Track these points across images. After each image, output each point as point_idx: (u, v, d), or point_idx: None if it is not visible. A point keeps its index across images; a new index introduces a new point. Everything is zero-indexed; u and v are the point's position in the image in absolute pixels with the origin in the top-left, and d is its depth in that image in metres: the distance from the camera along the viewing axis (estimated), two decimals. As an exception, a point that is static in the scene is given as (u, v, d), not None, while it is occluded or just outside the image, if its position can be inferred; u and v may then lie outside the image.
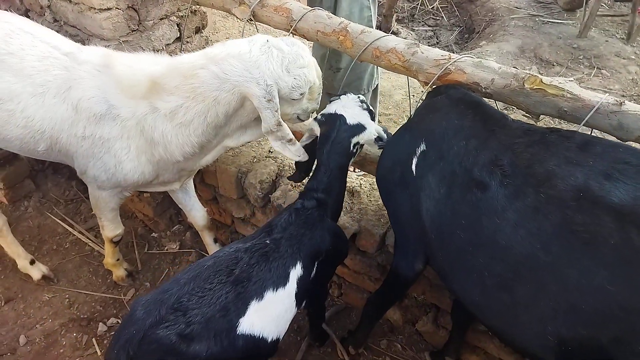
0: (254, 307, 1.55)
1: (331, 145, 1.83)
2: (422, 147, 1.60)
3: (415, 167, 1.60)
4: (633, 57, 5.37)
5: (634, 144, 1.46)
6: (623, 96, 4.88)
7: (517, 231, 1.30)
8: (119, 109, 1.86)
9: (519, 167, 1.36)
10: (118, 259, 2.58)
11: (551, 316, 1.26)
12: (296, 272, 1.68)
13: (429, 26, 6.38)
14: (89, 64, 1.90)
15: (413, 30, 6.21)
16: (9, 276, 2.70)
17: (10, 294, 2.61)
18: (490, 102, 1.82)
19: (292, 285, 1.67)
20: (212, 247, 2.64)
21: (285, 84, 1.72)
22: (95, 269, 2.75)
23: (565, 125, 4.32)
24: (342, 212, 2.25)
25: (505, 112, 4.34)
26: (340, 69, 2.83)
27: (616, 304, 1.15)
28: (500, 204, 1.34)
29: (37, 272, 2.62)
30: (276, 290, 1.62)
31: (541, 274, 1.27)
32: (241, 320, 1.51)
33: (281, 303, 1.65)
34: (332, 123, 1.85)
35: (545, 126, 1.51)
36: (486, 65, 1.72)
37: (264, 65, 1.67)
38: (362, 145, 1.94)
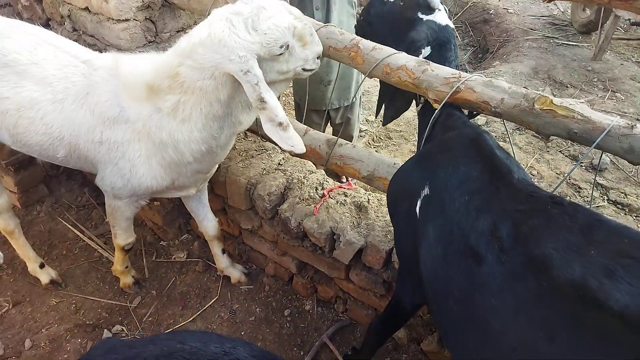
0: None
1: None
2: (426, 191, 1.53)
3: (419, 210, 1.54)
4: (648, 81, 5.33)
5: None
6: (638, 120, 4.83)
7: (517, 317, 1.18)
8: (128, 111, 1.88)
9: (518, 242, 1.25)
10: (127, 267, 2.60)
11: None
12: None
13: (443, 45, 6.42)
14: (103, 69, 1.93)
15: (427, 48, 6.24)
16: (18, 279, 2.73)
17: (18, 297, 2.64)
18: (491, 124, 1.81)
19: None
20: (220, 258, 2.65)
21: (258, 45, 1.60)
22: (103, 275, 2.77)
23: (577, 148, 4.29)
24: (348, 227, 2.26)
25: (517, 132, 4.33)
26: (330, 81, 2.97)
27: None
28: (496, 283, 1.23)
29: (45, 276, 2.65)
30: None
31: None
32: None
33: None
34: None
35: (549, 193, 1.38)
36: (496, 84, 1.72)
37: (228, 39, 1.57)
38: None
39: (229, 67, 1.59)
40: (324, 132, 2.93)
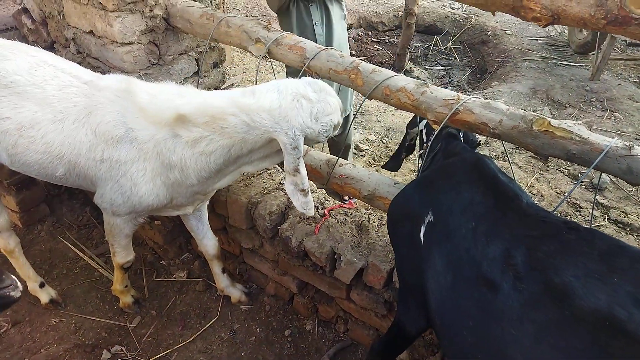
0: None
1: None
2: (430, 217, 1.52)
3: (423, 236, 1.53)
4: (646, 100, 5.38)
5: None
6: (636, 139, 4.87)
7: (539, 347, 1.15)
8: (138, 131, 1.91)
9: (534, 269, 1.22)
10: (126, 286, 2.59)
11: None
12: None
13: (442, 66, 6.50)
14: (108, 90, 1.97)
15: (426, 69, 6.33)
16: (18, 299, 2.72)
17: (18, 317, 2.63)
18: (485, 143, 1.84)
19: None
20: (220, 277, 2.64)
21: (312, 131, 1.80)
22: (103, 295, 2.77)
23: (576, 167, 4.31)
24: (349, 247, 2.27)
25: (517, 152, 4.35)
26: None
27: None
28: (515, 312, 1.19)
29: (45, 295, 2.65)
30: None
31: None
32: None
33: None
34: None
35: (562, 218, 1.38)
36: (494, 106, 1.74)
37: (294, 119, 1.74)
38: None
39: (281, 138, 1.75)
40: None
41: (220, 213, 2.69)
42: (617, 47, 6.21)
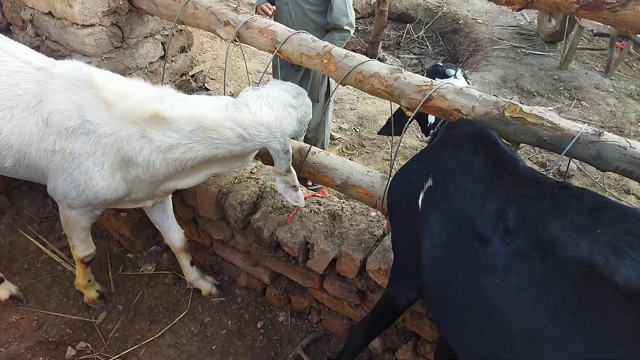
0: None
1: None
2: (430, 182, 1.55)
3: (422, 202, 1.55)
4: (611, 89, 5.52)
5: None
6: (602, 127, 4.99)
7: (519, 295, 1.21)
8: (97, 125, 1.81)
9: (524, 224, 1.28)
10: (89, 280, 2.50)
11: None
12: None
13: (414, 54, 6.50)
14: (63, 77, 1.86)
15: (399, 57, 6.31)
16: (-26, 296, 2.58)
17: (-26, 314, 2.50)
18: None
19: None
20: (189, 270, 2.57)
21: (297, 132, 1.98)
22: (67, 290, 2.65)
23: (545, 155, 4.39)
24: (322, 236, 2.23)
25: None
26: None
27: None
28: (501, 263, 1.25)
29: (5, 291, 2.52)
30: None
31: (543, 342, 1.18)
32: None
33: None
34: None
35: (555, 179, 1.44)
36: (467, 92, 1.73)
37: (286, 127, 1.87)
38: None
39: (274, 146, 1.86)
40: None
41: (189, 204, 2.61)
42: (584, 37, 6.33)
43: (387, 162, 4.11)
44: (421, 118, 2.23)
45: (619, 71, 5.84)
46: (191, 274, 2.58)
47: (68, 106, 1.82)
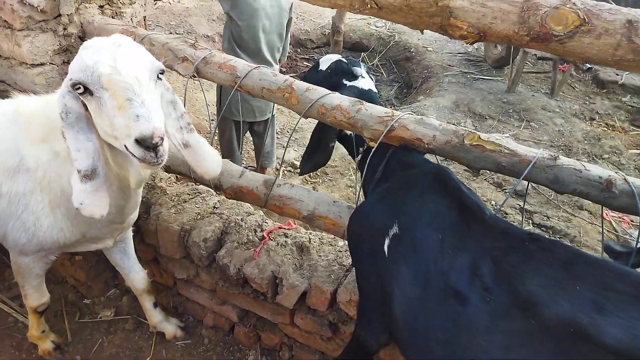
0: None
1: None
2: (395, 229, 1.51)
3: (388, 249, 1.52)
4: (557, 110, 5.83)
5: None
6: (552, 146, 5.24)
7: (509, 356, 1.18)
8: (27, 159, 1.69)
9: (500, 280, 1.26)
10: (44, 331, 2.33)
11: None
12: None
13: (370, 81, 6.67)
14: (1, 115, 1.76)
15: (355, 85, 6.45)
16: None
17: None
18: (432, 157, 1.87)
19: None
20: (152, 313, 2.45)
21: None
22: (19, 342, 2.47)
23: (500, 175, 4.54)
24: (291, 270, 2.19)
25: (445, 162, 4.52)
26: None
27: None
28: (484, 322, 1.23)
29: (-54, 350, 2.32)
30: None
31: None
32: None
33: None
34: None
35: (524, 229, 1.43)
36: (427, 122, 1.77)
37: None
38: None
39: None
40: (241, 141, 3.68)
41: (150, 243, 2.51)
42: (529, 61, 6.70)
43: (351, 189, 4.13)
44: (345, 140, 2.12)
45: (563, 92, 6.20)
46: (154, 317, 2.46)
47: (8, 144, 1.70)
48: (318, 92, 1.83)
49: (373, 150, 1.81)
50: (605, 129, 5.67)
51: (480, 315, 1.23)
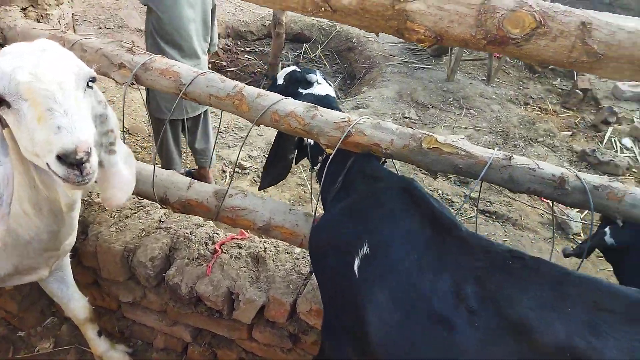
0: None
1: None
2: (366, 249, 1.43)
3: (358, 269, 1.43)
4: (494, 96, 6.02)
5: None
6: (490, 132, 5.41)
7: None
8: None
9: (486, 303, 1.20)
10: (-29, 373, 2.08)
11: None
12: None
13: (313, 73, 6.58)
14: None
15: (298, 77, 6.33)
16: None
17: None
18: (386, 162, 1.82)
19: None
20: (96, 342, 2.24)
21: None
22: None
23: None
24: (247, 283, 2.08)
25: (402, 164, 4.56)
26: None
27: None
28: (474, 349, 1.16)
29: None
30: None
31: None
32: None
33: None
34: None
35: (505, 246, 1.37)
36: (384, 126, 1.71)
37: None
38: None
39: None
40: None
41: (89, 266, 2.29)
42: (466, 49, 6.88)
43: (301, 187, 4.05)
44: (303, 150, 2.04)
45: (499, 79, 6.41)
46: (100, 346, 2.25)
47: None
48: (270, 98, 1.72)
49: (331, 157, 1.73)
50: (539, 112, 5.93)
51: (469, 342, 1.17)
